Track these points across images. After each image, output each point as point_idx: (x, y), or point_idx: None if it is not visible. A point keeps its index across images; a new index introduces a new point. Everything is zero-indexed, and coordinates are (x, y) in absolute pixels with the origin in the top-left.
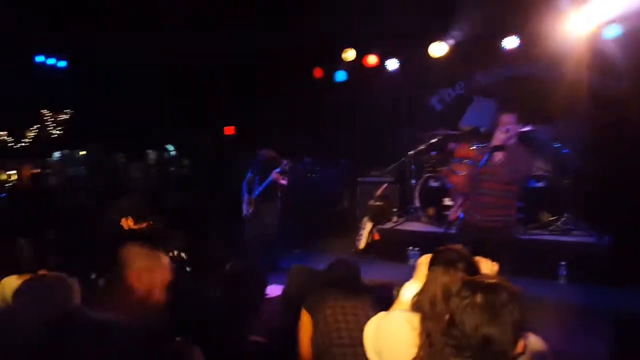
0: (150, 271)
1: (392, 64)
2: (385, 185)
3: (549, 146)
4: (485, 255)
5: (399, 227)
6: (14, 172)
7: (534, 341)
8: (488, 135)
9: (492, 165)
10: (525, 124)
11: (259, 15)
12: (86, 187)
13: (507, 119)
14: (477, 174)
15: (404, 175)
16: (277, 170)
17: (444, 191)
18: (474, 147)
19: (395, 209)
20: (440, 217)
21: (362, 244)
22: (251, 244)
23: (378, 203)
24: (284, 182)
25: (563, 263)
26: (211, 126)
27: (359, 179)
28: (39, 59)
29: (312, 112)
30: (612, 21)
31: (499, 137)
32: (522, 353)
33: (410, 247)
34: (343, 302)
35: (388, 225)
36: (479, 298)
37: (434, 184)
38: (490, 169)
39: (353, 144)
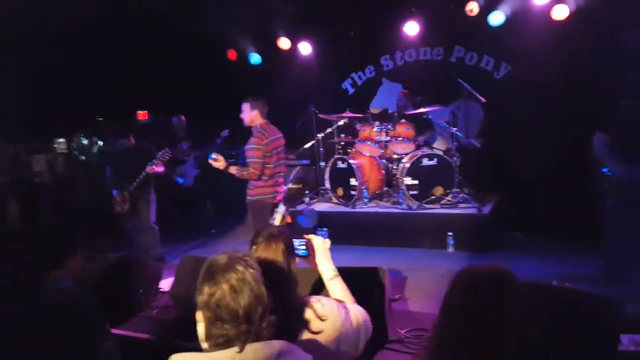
0: None
1: (305, 48)
2: (297, 168)
3: (442, 127)
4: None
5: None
6: None
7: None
8: (394, 117)
9: None
10: (421, 106)
11: None
12: None
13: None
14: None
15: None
16: (152, 162)
17: (351, 172)
18: (376, 129)
19: (307, 192)
20: (348, 196)
21: None
22: (135, 239)
23: (293, 186)
24: (159, 169)
25: (450, 234)
26: (123, 111)
27: None
28: None
29: (227, 95)
30: (498, 8)
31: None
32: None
33: (319, 228)
34: None
35: (300, 207)
36: (218, 286)
37: (341, 165)
38: None
39: None
